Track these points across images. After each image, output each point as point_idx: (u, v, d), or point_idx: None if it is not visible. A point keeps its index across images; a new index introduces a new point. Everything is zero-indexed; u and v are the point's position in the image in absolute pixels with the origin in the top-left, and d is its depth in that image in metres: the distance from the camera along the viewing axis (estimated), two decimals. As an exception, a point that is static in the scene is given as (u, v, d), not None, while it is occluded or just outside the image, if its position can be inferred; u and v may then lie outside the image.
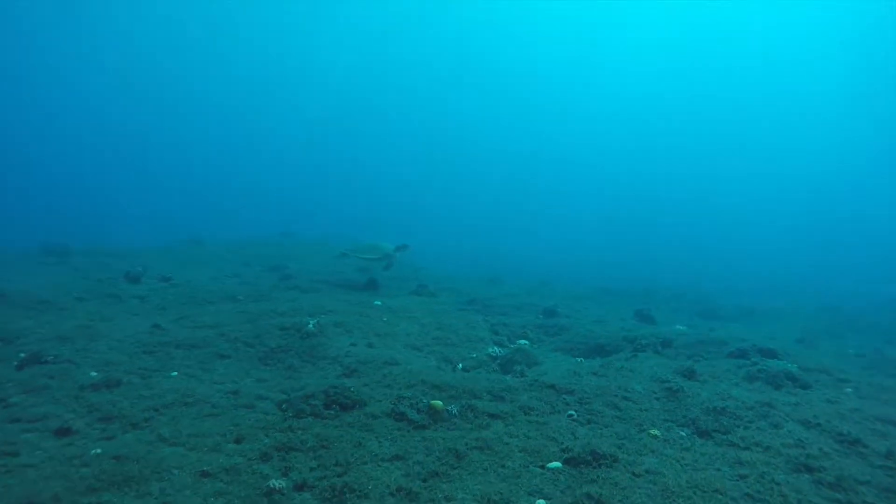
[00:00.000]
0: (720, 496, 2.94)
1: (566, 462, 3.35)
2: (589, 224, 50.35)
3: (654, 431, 3.89)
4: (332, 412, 4.32)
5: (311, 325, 7.14)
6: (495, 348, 7.04)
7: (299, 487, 3.11)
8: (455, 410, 4.23)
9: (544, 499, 2.95)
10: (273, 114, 78.65)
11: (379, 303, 8.56)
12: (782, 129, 69.16)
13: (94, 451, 3.54)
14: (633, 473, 3.20)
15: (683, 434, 3.87)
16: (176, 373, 5.47)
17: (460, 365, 6.58)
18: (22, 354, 5.50)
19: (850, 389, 4.90)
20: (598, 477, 3.14)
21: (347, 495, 2.97)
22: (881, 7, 59.97)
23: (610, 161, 72.67)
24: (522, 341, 7.62)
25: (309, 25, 77.44)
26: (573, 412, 4.29)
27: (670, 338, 6.83)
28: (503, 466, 3.32)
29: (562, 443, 3.62)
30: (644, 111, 77.07)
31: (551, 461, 3.38)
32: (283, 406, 4.56)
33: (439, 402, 4.24)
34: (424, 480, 3.17)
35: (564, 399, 4.56)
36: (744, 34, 73.22)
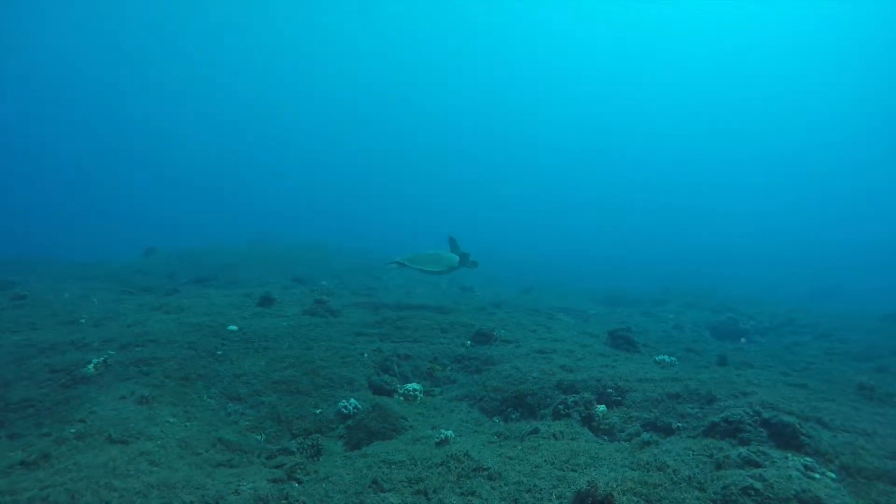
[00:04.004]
0: None
1: None
2: (623, 221, 47.27)
3: None
4: None
5: (90, 367, 4.88)
6: (352, 401, 4.56)
7: None
8: None
9: None
10: (262, 119, 79.42)
11: (234, 328, 6.19)
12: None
13: None
14: None
15: None
16: None
17: (262, 445, 4.13)
18: None
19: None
20: None
21: None
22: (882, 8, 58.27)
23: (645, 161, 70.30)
24: (412, 385, 5.09)
25: (300, 28, 77.56)
26: None
27: (624, 388, 4.15)
28: None
29: None
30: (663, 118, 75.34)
31: None
32: None
33: None
34: None
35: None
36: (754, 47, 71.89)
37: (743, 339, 8.47)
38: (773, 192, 61.82)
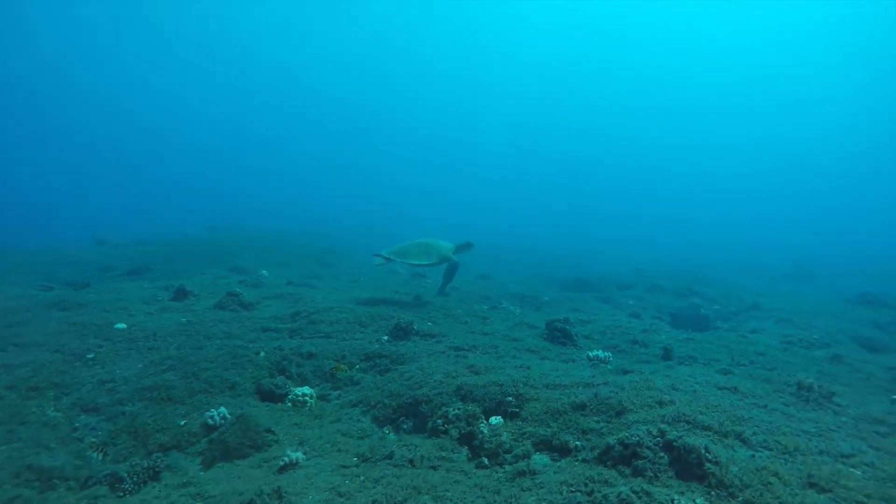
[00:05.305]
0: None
1: None
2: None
3: None
4: None
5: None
6: (222, 410, 3.92)
7: None
8: None
9: None
10: (239, 112, 78.17)
11: (122, 326, 5.50)
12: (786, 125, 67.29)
13: None
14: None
15: None
16: None
17: (96, 468, 3.48)
18: None
19: None
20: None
21: None
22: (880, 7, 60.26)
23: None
24: (304, 390, 4.45)
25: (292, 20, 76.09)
26: None
27: (525, 396, 3.55)
28: None
29: None
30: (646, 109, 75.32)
31: None
32: None
33: None
34: None
35: None
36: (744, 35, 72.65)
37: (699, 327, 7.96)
38: (757, 176, 62.05)
